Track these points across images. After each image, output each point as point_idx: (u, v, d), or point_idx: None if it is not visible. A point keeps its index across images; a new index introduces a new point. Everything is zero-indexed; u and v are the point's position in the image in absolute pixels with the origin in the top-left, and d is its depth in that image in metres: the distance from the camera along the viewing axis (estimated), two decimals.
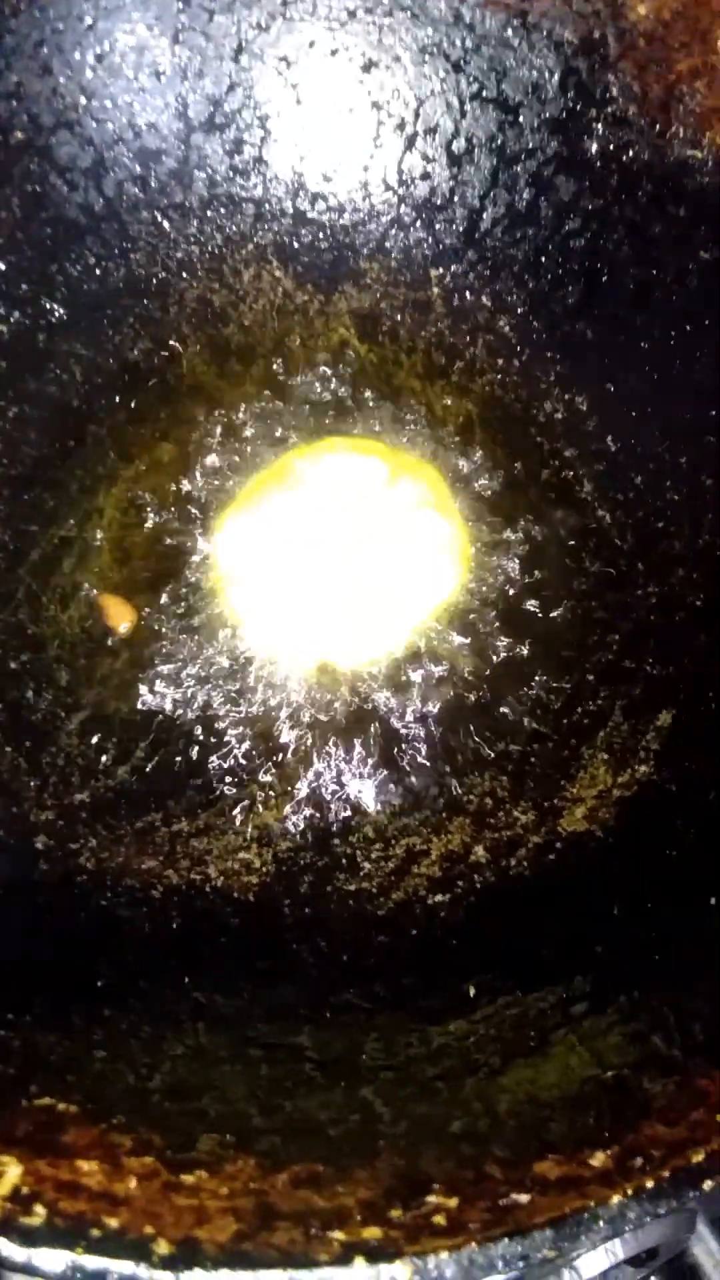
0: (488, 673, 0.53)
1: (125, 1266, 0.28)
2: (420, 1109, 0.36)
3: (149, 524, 0.55)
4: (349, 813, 0.50)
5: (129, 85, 0.56)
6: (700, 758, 0.48)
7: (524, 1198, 0.30)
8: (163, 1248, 0.28)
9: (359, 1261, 0.28)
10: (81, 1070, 0.36)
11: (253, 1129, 0.35)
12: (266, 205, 0.60)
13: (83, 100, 0.56)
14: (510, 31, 0.55)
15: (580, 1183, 0.30)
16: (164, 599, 0.54)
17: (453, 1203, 0.30)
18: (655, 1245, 0.51)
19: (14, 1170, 0.30)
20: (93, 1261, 0.28)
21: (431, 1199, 0.31)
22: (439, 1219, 0.30)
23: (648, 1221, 0.50)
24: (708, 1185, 0.30)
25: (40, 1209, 0.29)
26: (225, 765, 0.50)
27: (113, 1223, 0.29)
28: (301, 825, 0.49)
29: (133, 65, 0.56)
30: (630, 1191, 0.30)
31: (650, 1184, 0.30)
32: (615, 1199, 0.30)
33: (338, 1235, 0.29)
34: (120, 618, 0.51)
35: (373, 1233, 0.29)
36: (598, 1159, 0.31)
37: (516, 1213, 0.30)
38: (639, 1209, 0.30)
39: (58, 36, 0.54)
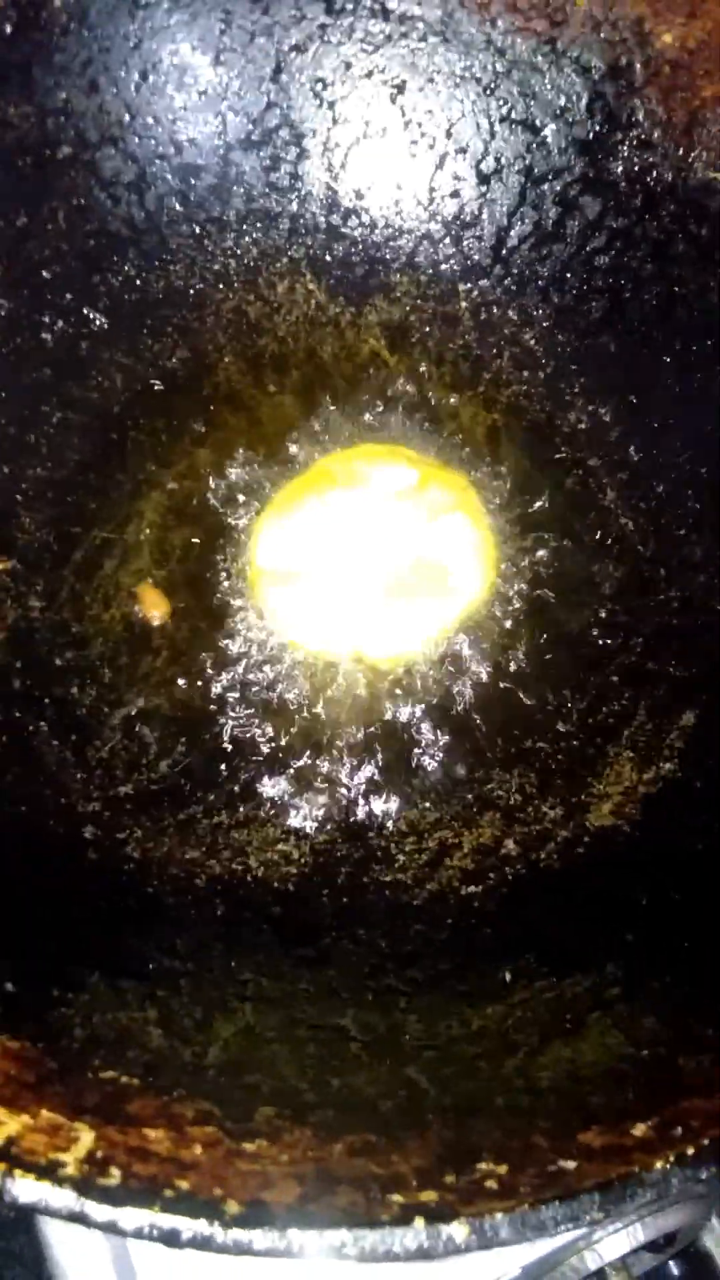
0: (515, 673, 0.54)
1: (199, 1225, 0.29)
2: (464, 1085, 0.38)
3: (187, 526, 0.57)
4: (383, 807, 0.51)
5: (171, 103, 0.58)
6: None
7: (570, 1164, 0.32)
8: (232, 1208, 0.30)
9: (418, 1221, 0.30)
10: (139, 1046, 0.38)
11: (305, 1103, 0.36)
12: (301, 220, 0.62)
13: (127, 117, 0.58)
14: (540, 57, 0.57)
15: (624, 1151, 0.32)
16: (202, 598, 0.55)
17: (503, 1169, 0.32)
18: (675, 1230, 0.53)
19: (87, 1136, 0.31)
20: (168, 1220, 0.29)
21: (482, 1166, 0.32)
22: (491, 1184, 0.31)
23: (674, 1200, 0.52)
24: None
25: (115, 1171, 0.30)
26: (262, 760, 0.52)
27: (183, 1184, 0.30)
28: (338, 819, 0.51)
29: (175, 84, 0.58)
30: (673, 1158, 0.31)
31: (691, 1151, 0.32)
32: (658, 1164, 0.31)
33: (396, 1198, 0.31)
34: (155, 607, 0.53)
35: (429, 1196, 0.31)
36: (639, 1129, 0.33)
37: (565, 1178, 0.31)
38: (681, 1174, 0.32)
39: (104, 55, 0.56)
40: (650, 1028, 0.39)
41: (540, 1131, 0.34)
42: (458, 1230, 0.30)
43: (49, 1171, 0.30)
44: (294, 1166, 0.32)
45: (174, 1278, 0.46)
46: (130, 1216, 0.29)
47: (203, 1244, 0.29)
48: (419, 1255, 0.30)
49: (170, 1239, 0.29)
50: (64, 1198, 0.29)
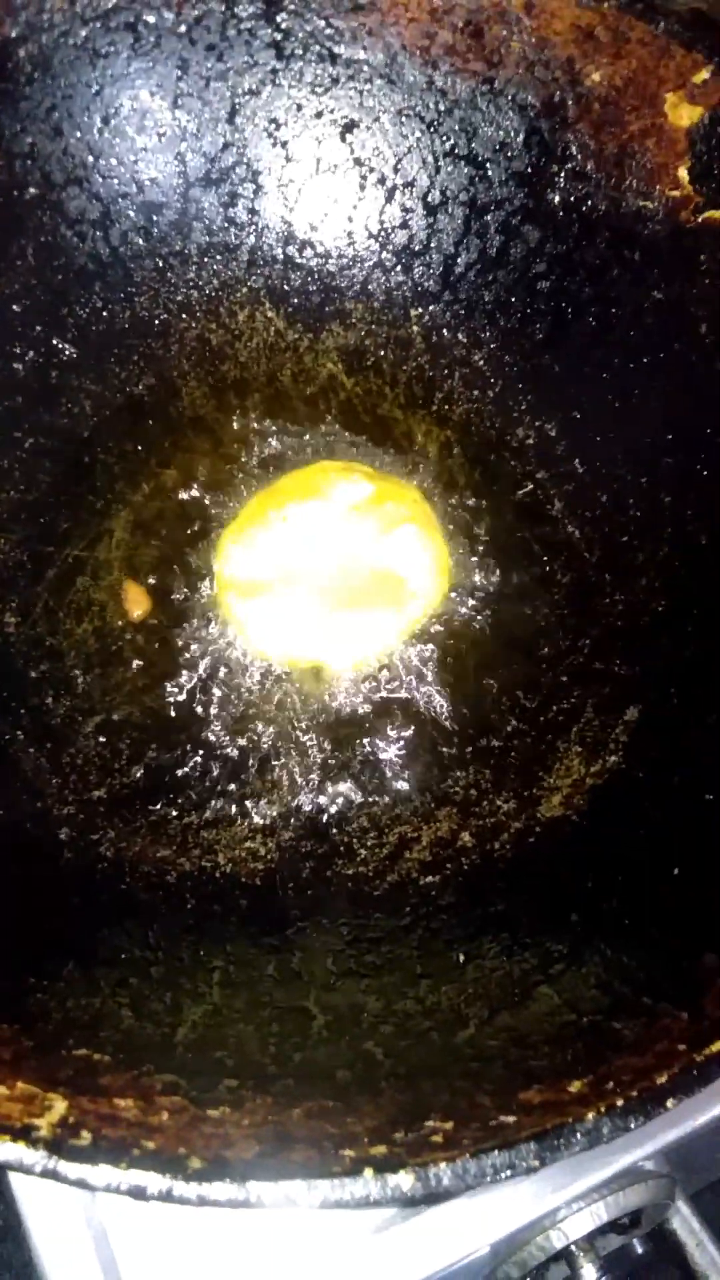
0: (470, 675, 0.57)
1: (163, 1181, 0.32)
2: (417, 1055, 0.40)
3: (155, 543, 0.60)
4: (345, 805, 0.54)
5: (133, 145, 0.62)
6: (664, 748, 0.53)
7: (510, 1119, 0.34)
8: (195, 1164, 0.32)
9: (368, 1172, 0.32)
10: (111, 1027, 0.40)
11: (268, 1075, 0.39)
12: (259, 252, 0.65)
13: (90, 159, 0.61)
14: (479, 96, 0.61)
15: (560, 1105, 0.35)
16: (169, 611, 0.58)
17: (448, 1125, 0.34)
18: (638, 1209, 0.55)
19: (60, 1105, 0.34)
20: (135, 1176, 0.32)
21: (429, 1123, 0.35)
22: (436, 1138, 0.34)
23: (635, 1179, 0.54)
24: (670, 1103, 0.35)
25: (86, 1134, 0.33)
26: (229, 763, 0.54)
27: (150, 1145, 0.33)
28: (302, 817, 0.53)
29: (136, 127, 0.61)
30: (603, 1109, 0.34)
31: (621, 1102, 0.34)
32: (590, 1115, 0.34)
33: (349, 1153, 0.33)
34: (135, 604, 0.56)
35: (379, 1150, 0.33)
36: (575, 1086, 0.35)
37: (504, 1131, 0.34)
38: (611, 1124, 0.34)
39: (68, 102, 0.59)
40: (590, 997, 0.41)
41: (484, 1092, 0.36)
42: (404, 1179, 0.32)
43: (23, 1134, 0.32)
44: (254, 1129, 0.35)
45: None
46: (100, 1174, 0.32)
47: (167, 1196, 0.32)
48: (368, 1203, 0.33)
49: (137, 1193, 0.32)
50: (37, 1157, 0.32)
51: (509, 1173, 0.33)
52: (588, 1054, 0.37)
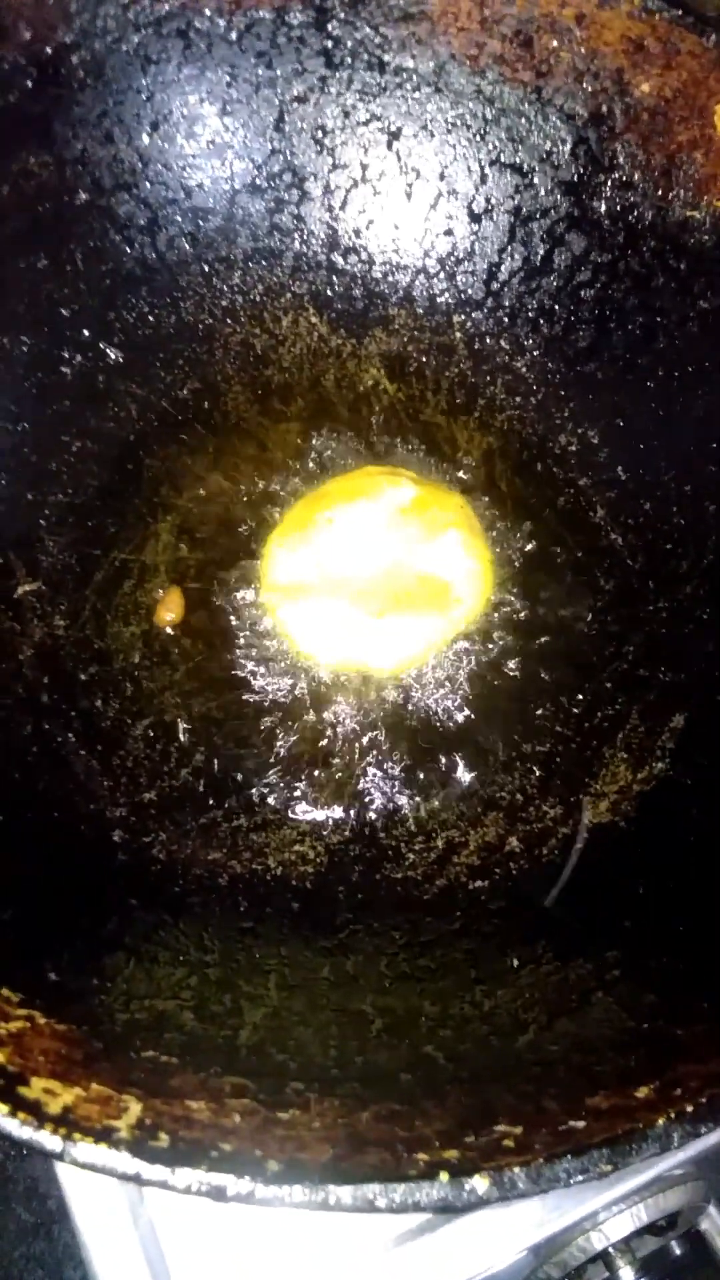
0: (514, 681, 0.58)
1: (243, 1182, 0.32)
2: (479, 1060, 0.41)
3: (200, 547, 0.60)
4: (392, 809, 0.54)
5: (181, 151, 0.62)
6: (711, 754, 0.53)
7: (580, 1124, 0.35)
8: (272, 1166, 0.33)
9: (443, 1175, 0.33)
10: (176, 1029, 0.40)
11: (332, 1078, 0.39)
12: (304, 258, 0.66)
13: (139, 164, 0.61)
14: (526, 105, 0.61)
15: (629, 1110, 0.35)
16: (215, 615, 0.58)
17: (518, 1130, 0.35)
18: (675, 1211, 0.55)
19: (135, 1106, 0.34)
20: (216, 1178, 0.32)
21: (499, 1128, 0.35)
22: (508, 1142, 0.34)
23: (673, 1182, 0.55)
24: None
25: (164, 1136, 0.33)
26: (277, 766, 0.55)
27: (226, 1147, 0.33)
28: (350, 821, 0.54)
29: (185, 133, 0.62)
30: (673, 1115, 0.34)
31: (690, 1108, 0.35)
32: (660, 1121, 0.34)
33: (422, 1156, 0.34)
34: (168, 609, 0.57)
35: (451, 1154, 0.34)
36: (642, 1092, 0.36)
37: (575, 1136, 0.34)
38: (682, 1129, 0.34)
39: (119, 108, 0.60)
40: (649, 1003, 0.42)
41: (551, 1097, 0.37)
42: (479, 1183, 0.33)
43: (105, 1136, 0.32)
44: (326, 1132, 0.35)
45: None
46: (181, 1176, 0.32)
47: (247, 1198, 0.32)
48: (443, 1207, 0.33)
49: (218, 1194, 0.32)
50: (120, 1160, 0.32)
51: (581, 1177, 0.33)
52: (650, 1059, 0.38)
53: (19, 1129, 0.32)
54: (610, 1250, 0.54)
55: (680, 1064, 0.37)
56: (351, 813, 0.54)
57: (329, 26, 0.60)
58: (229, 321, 0.65)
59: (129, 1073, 0.36)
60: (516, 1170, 0.33)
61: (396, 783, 0.55)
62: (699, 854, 0.49)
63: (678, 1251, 0.59)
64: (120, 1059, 0.37)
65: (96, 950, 0.43)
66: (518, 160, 0.62)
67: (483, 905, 0.51)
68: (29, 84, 0.57)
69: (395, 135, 0.64)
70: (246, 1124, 0.35)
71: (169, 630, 0.58)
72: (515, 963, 0.46)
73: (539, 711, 0.57)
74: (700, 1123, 0.35)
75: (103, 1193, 0.49)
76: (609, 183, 0.60)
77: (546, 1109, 0.36)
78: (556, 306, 0.64)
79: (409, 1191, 0.32)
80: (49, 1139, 0.32)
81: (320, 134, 0.64)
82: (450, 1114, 0.36)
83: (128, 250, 0.62)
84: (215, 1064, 0.38)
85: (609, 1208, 0.53)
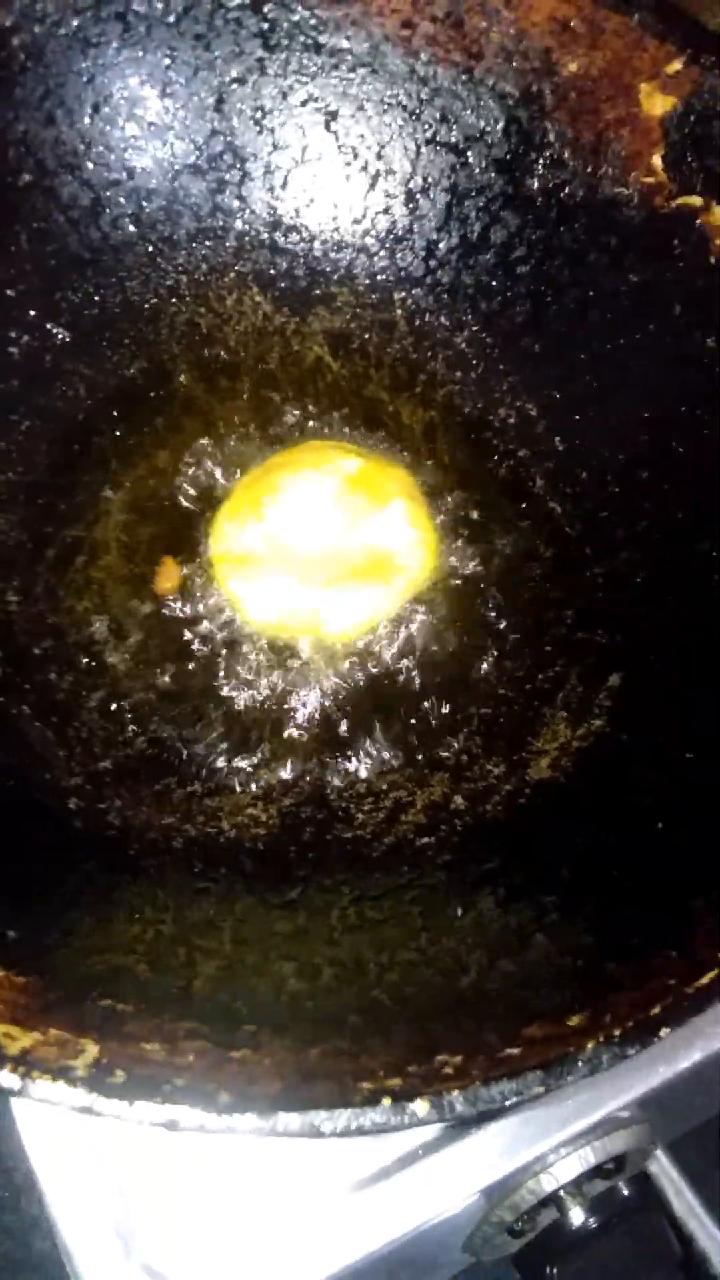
0: (459, 646, 0.60)
1: (195, 1114, 0.34)
2: (423, 1001, 0.43)
3: (151, 522, 0.62)
4: (342, 772, 0.56)
5: (123, 133, 0.63)
6: (646, 711, 0.55)
7: (516, 1051, 0.37)
8: (224, 1097, 0.34)
9: (386, 1101, 0.35)
10: (131, 980, 0.42)
11: (283, 1023, 0.41)
12: (246, 238, 0.67)
13: (82, 146, 0.62)
14: (459, 85, 0.62)
15: (561, 1038, 0.37)
16: None
17: (458, 1059, 0.37)
18: (621, 1153, 0.58)
19: (92, 1048, 0.36)
20: (169, 1110, 0.34)
21: (440, 1057, 0.37)
22: (448, 1070, 0.36)
23: (619, 1125, 0.57)
24: (664, 1032, 0.37)
25: (120, 1073, 0.35)
26: (230, 733, 0.56)
27: (180, 1082, 0.35)
28: (302, 784, 0.55)
29: (126, 115, 0.62)
30: (602, 1039, 0.37)
31: (618, 1032, 0.37)
32: (590, 1045, 0.36)
33: (366, 1085, 0.36)
34: (166, 579, 0.58)
35: (394, 1082, 0.36)
36: (574, 1020, 0.38)
37: (511, 1061, 0.36)
38: (610, 1052, 0.37)
39: (60, 90, 0.60)
40: (585, 943, 0.44)
41: (490, 1030, 0.39)
42: (420, 1106, 0.35)
43: (62, 1074, 0.34)
44: (276, 1068, 0.37)
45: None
46: (137, 1110, 0.34)
47: (199, 1127, 0.34)
48: (386, 1129, 0.35)
49: (171, 1125, 0.34)
50: (76, 1095, 0.34)
51: (516, 1099, 0.36)
52: (585, 992, 0.40)
53: None
54: (561, 1193, 0.56)
55: (610, 994, 0.39)
56: (302, 777, 0.56)
57: (265, 9, 0.61)
58: (174, 301, 0.66)
59: (85, 1019, 0.38)
60: (455, 1094, 0.35)
61: (346, 747, 0.57)
62: (633, 804, 0.51)
63: (626, 1193, 0.61)
64: (78, 1008, 0.39)
65: (54, 910, 0.45)
66: (453, 139, 0.64)
67: (429, 860, 0.53)
68: None
69: (333, 116, 0.65)
70: (200, 1062, 0.37)
71: (131, 601, 0.59)
72: (460, 911, 0.48)
73: (482, 674, 0.59)
74: (628, 1045, 0.37)
75: (70, 1163, 0.50)
76: (541, 161, 0.62)
77: (486, 1040, 0.38)
78: (494, 283, 0.66)
79: (353, 1116, 0.34)
80: (7, 1077, 0.33)
81: (260, 115, 0.65)
82: (395, 1049, 0.38)
83: (72, 231, 0.63)
84: (170, 1010, 0.40)
85: (557, 1150, 0.55)
